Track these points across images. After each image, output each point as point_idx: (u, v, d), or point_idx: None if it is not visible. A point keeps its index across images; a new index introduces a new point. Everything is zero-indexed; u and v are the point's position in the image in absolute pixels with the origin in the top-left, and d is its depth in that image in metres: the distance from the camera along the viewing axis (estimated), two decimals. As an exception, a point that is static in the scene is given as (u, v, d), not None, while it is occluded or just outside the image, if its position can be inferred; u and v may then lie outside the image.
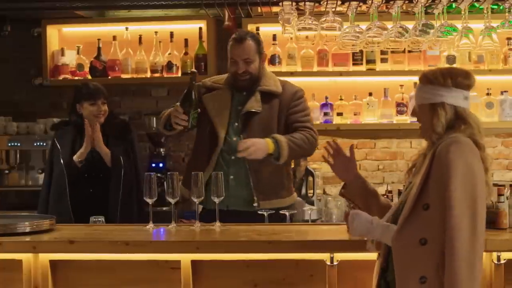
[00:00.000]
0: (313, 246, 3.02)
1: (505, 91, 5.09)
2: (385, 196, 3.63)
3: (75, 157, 4.08)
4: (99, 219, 3.55)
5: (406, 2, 3.91)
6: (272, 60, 5.05)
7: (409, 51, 4.96)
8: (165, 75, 5.29)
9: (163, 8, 4.97)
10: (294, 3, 3.93)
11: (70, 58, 5.38)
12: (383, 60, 5.11)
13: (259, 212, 3.63)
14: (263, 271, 3.04)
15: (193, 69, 3.56)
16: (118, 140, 4.19)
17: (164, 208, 4.20)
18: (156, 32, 5.29)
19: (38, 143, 5.22)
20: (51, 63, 5.40)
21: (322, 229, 3.34)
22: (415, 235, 2.49)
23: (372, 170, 5.46)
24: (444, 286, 2.41)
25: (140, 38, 5.29)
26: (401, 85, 5.14)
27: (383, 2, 3.92)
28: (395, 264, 2.53)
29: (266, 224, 3.52)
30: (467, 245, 2.38)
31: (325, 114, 5.15)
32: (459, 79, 2.59)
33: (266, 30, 5.04)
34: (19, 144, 5.27)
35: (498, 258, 2.95)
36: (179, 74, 5.29)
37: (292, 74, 4.92)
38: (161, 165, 5.27)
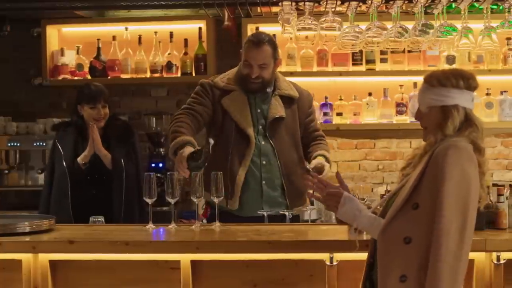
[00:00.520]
0: (313, 246, 3.02)
1: (504, 91, 5.09)
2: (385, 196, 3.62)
3: (79, 159, 4.07)
4: (99, 219, 3.55)
5: (406, 2, 3.91)
6: (272, 60, 5.05)
7: (409, 51, 4.96)
8: (164, 75, 5.29)
9: (163, 8, 4.97)
10: (293, 3, 3.93)
11: (69, 58, 5.38)
12: (383, 60, 5.11)
13: (259, 212, 3.63)
14: (262, 271, 3.04)
15: (211, 139, 3.47)
16: (120, 142, 4.17)
17: (164, 208, 4.20)
18: (155, 32, 5.29)
19: (38, 143, 5.23)
20: (51, 63, 5.41)
21: (322, 229, 3.33)
22: (400, 233, 2.49)
23: (372, 170, 5.46)
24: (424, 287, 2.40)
25: (139, 38, 5.29)
26: (401, 85, 5.14)
27: (383, 2, 3.92)
28: (378, 259, 2.53)
29: (266, 224, 3.52)
30: (453, 251, 2.37)
31: (325, 114, 5.16)
32: (470, 81, 2.59)
33: (265, 30, 5.02)
34: (18, 144, 5.27)
35: (498, 258, 2.95)
36: (179, 74, 5.29)
37: (291, 74, 4.92)
38: (160, 165, 5.27)
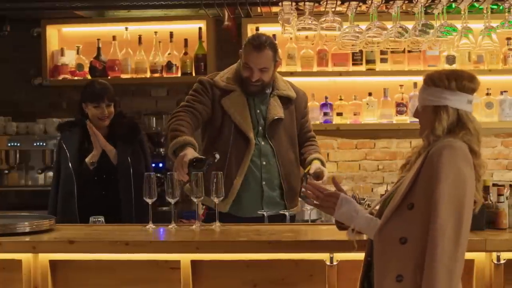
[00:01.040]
0: (313, 246, 3.02)
1: (504, 91, 5.09)
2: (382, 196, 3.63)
3: (87, 160, 4.00)
4: (99, 219, 3.54)
5: (406, 2, 3.91)
6: (272, 60, 5.05)
7: (409, 51, 4.96)
8: (164, 75, 5.29)
9: (163, 8, 4.96)
10: (293, 3, 3.92)
11: (69, 58, 5.38)
12: (383, 60, 5.11)
13: (259, 212, 3.64)
14: (263, 271, 3.04)
15: (217, 154, 3.39)
16: (126, 141, 4.08)
17: (164, 208, 4.20)
18: (155, 32, 5.29)
19: (38, 143, 5.22)
20: (51, 63, 5.41)
21: (322, 229, 3.33)
22: (396, 233, 2.49)
23: (372, 170, 5.46)
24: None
25: (139, 38, 5.29)
26: (401, 85, 5.14)
27: (383, 2, 3.92)
28: (375, 259, 2.54)
29: (266, 224, 3.52)
30: (449, 251, 2.37)
31: (325, 114, 5.16)
32: (464, 82, 2.57)
33: (265, 30, 5.02)
34: (18, 144, 5.27)
35: (498, 258, 2.95)
36: (179, 74, 5.29)
37: (292, 74, 4.92)
38: (161, 165, 5.26)
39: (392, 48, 4.05)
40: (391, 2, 3.90)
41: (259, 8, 5.00)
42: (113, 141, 4.06)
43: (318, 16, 3.97)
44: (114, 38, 5.29)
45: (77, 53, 5.39)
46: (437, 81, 2.58)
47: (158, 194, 3.32)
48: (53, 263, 3.07)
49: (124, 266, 3.06)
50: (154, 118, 5.48)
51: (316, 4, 4.02)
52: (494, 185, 3.16)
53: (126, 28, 5.33)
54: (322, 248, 2.99)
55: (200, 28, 5.28)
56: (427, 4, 3.90)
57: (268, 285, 3.04)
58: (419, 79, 2.91)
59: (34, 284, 3.05)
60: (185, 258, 3.03)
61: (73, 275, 3.10)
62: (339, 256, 2.99)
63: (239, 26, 5.21)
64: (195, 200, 3.29)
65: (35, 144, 5.24)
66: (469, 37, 3.87)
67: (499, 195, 3.11)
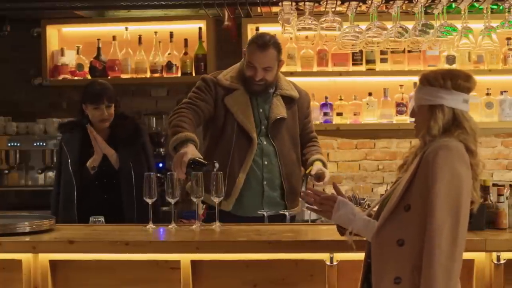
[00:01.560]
0: (313, 246, 3.02)
1: (504, 91, 5.10)
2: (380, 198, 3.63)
3: (88, 164, 3.94)
4: (99, 219, 3.54)
5: (406, 2, 3.91)
6: (272, 60, 5.05)
7: (409, 51, 4.97)
8: (164, 75, 5.29)
9: (163, 8, 4.96)
10: (293, 3, 3.92)
11: (69, 58, 5.38)
12: (383, 60, 5.12)
13: (259, 212, 3.64)
14: (263, 271, 3.04)
15: (217, 164, 3.34)
16: (128, 143, 4.00)
17: (164, 208, 4.19)
18: (155, 32, 5.29)
19: (38, 143, 5.22)
20: (51, 63, 5.41)
21: (322, 229, 3.33)
22: (393, 235, 2.49)
23: (372, 170, 5.46)
24: None
25: (139, 38, 5.29)
26: (401, 85, 5.14)
27: (383, 2, 3.92)
28: (373, 261, 2.54)
29: (266, 224, 3.52)
30: (446, 252, 2.37)
31: (325, 114, 5.16)
32: (459, 81, 2.57)
33: (265, 30, 5.02)
34: (18, 144, 5.26)
35: (498, 258, 2.95)
36: (179, 74, 5.29)
37: (292, 74, 4.91)
38: (161, 165, 5.26)
39: (392, 48, 4.05)
40: (391, 2, 3.90)
41: (259, 8, 5.00)
42: (115, 144, 4.00)
43: (318, 16, 3.97)
44: (114, 38, 5.29)
45: (77, 53, 5.39)
46: (433, 81, 2.58)
47: (158, 194, 3.31)
48: (53, 263, 3.07)
49: (124, 266, 3.06)
50: (154, 118, 5.47)
51: (316, 4, 4.02)
52: (494, 185, 3.16)
53: (126, 28, 5.33)
54: (322, 248, 2.99)
55: (200, 28, 5.28)
56: (427, 4, 3.90)
57: (268, 285, 3.04)
58: (419, 79, 2.91)
59: (34, 284, 3.05)
60: (185, 258, 3.03)
61: (73, 275, 3.10)
62: (339, 256, 2.99)
63: (239, 26, 5.21)
64: (195, 200, 3.29)
65: (35, 144, 5.23)
66: (469, 37, 3.87)
67: (499, 195, 3.11)
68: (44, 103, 5.64)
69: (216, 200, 3.28)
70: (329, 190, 2.96)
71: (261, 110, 3.77)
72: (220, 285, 3.07)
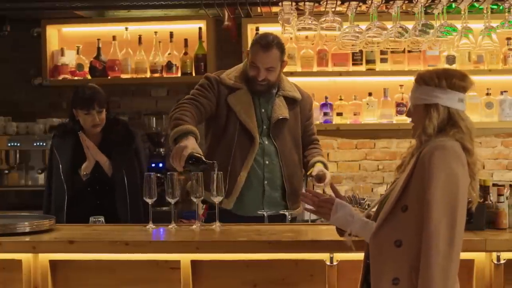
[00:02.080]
0: (313, 246, 3.02)
1: (504, 91, 5.09)
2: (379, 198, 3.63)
3: (80, 171, 3.91)
4: (99, 219, 3.54)
5: (406, 2, 3.91)
6: (272, 60, 5.04)
7: (409, 51, 4.97)
8: (164, 75, 5.29)
9: (163, 8, 4.96)
10: (293, 3, 3.92)
11: (69, 58, 5.38)
12: (383, 60, 5.12)
13: (259, 212, 3.64)
14: (263, 271, 3.04)
15: (215, 164, 3.32)
16: (121, 149, 3.97)
17: (164, 208, 4.19)
18: (155, 32, 5.29)
19: (38, 143, 5.22)
20: (51, 63, 5.41)
21: (322, 229, 3.33)
22: (391, 236, 2.50)
23: (372, 170, 5.46)
24: None
25: (139, 38, 5.29)
26: (401, 85, 5.14)
27: (383, 2, 3.92)
28: (371, 262, 2.55)
29: (266, 224, 3.52)
30: (443, 252, 2.37)
31: (325, 114, 5.16)
32: (454, 80, 2.57)
33: (265, 30, 5.03)
34: (18, 144, 5.26)
35: (498, 258, 2.95)
36: (179, 74, 5.29)
37: (292, 74, 4.91)
38: (161, 165, 5.26)
39: (392, 48, 4.05)
40: (391, 2, 3.90)
41: (259, 8, 5.00)
42: (107, 149, 3.96)
43: (318, 16, 3.97)
44: (114, 38, 5.30)
45: (77, 53, 5.39)
46: (428, 80, 2.58)
47: (158, 194, 3.31)
48: (53, 263, 3.07)
49: (124, 266, 3.06)
50: (154, 118, 5.47)
51: (316, 4, 4.02)
52: (494, 185, 3.16)
53: (126, 28, 5.33)
54: (322, 248, 2.99)
55: (200, 28, 5.28)
56: (427, 4, 3.90)
57: (268, 285, 3.04)
58: (419, 79, 2.90)
59: (34, 284, 3.05)
60: (185, 258, 3.03)
61: (73, 275, 3.10)
62: (339, 256, 2.99)
63: (239, 26, 5.21)
64: (195, 200, 3.29)
65: (35, 144, 5.23)
66: (469, 37, 3.87)
67: (499, 195, 3.11)
68: (44, 103, 5.64)
69: (217, 200, 3.28)
70: (330, 192, 2.96)
71: (263, 110, 3.77)
72: (220, 285, 3.07)
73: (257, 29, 5.09)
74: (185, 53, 5.28)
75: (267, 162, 3.73)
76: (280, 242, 3.01)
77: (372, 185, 5.43)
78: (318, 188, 3.80)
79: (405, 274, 2.45)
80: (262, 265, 3.03)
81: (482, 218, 3.06)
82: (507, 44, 5.00)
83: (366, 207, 3.76)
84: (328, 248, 2.98)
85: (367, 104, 5.16)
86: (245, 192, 3.69)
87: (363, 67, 5.14)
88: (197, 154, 3.30)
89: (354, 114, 5.17)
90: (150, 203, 3.29)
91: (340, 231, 2.80)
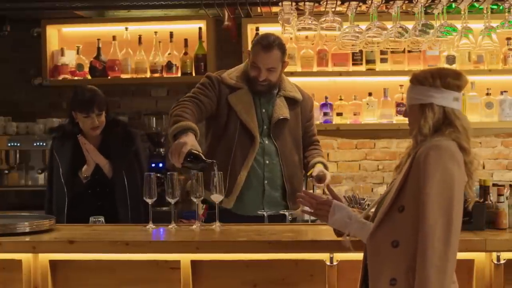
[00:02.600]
0: (313, 246, 3.02)
1: (504, 91, 5.09)
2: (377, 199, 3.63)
3: (80, 174, 3.89)
4: (99, 219, 3.54)
5: (406, 2, 3.91)
6: (272, 60, 5.04)
7: (409, 51, 4.97)
8: (164, 75, 5.29)
9: (163, 8, 4.96)
10: (293, 3, 3.92)
11: (69, 58, 5.38)
12: (383, 60, 5.12)
13: (259, 212, 3.64)
14: (263, 271, 3.04)
15: (214, 161, 3.33)
16: (120, 151, 3.95)
17: (164, 208, 4.19)
18: (155, 32, 5.30)
19: (38, 143, 5.22)
20: (51, 63, 5.41)
21: (322, 229, 3.33)
22: (388, 237, 2.50)
23: (372, 170, 5.46)
24: None
25: (139, 38, 5.29)
26: (401, 85, 5.14)
27: (383, 2, 3.92)
28: (369, 263, 2.55)
29: (266, 224, 3.53)
30: (439, 251, 2.37)
31: (325, 114, 5.16)
32: (448, 79, 2.57)
33: (265, 30, 5.03)
34: (18, 144, 5.27)
35: (498, 258, 2.95)
36: (179, 74, 5.29)
37: (292, 74, 4.91)
38: (161, 165, 5.26)
39: (392, 48, 4.05)
40: (391, 2, 3.90)
41: (259, 8, 5.00)
42: (107, 151, 3.94)
43: (318, 16, 3.97)
44: (114, 38, 5.30)
45: (77, 53, 5.39)
46: (422, 80, 2.58)
47: (158, 194, 3.31)
48: (53, 263, 3.07)
49: (124, 266, 3.06)
50: (154, 118, 5.47)
51: (316, 4, 4.02)
52: (494, 185, 3.16)
53: (126, 28, 5.33)
54: (322, 248, 2.99)
55: (200, 28, 5.28)
56: (427, 4, 3.90)
57: (268, 285, 3.04)
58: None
59: (34, 284, 3.05)
60: (185, 258, 3.03)
61: (73, 275, 3.10)
62: (339, 256, 2.99)
63: (239, 26, 5.21)
64: (195, 200, 3.29)
65: (35, 144, 5.23)
66: (469, 37, 3.87)
67: (499, 195, 3.11)
68: (44, 103, 5.64)
69: (217, 200, 3.28)
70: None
71: (264, 110, 3.77)
72: (220, 285, 3.07)
73: (257, 29, 5.09)
74: (185, 53, 5.28)
75: (267, 161, 3.73)
76: (280, 242, 3.01)
77: (372, 185, 5.43)
78: (318, 188, 3.80)
79: (402, 275, 2.44)
80: (262, 265, 3.03)
81: (482, 218, 3.06)
82: (507, 44, 5.00)
83: (366, 207, 3.76)
84: (328, 248, 2.98)
85: (367, 104, 5.16)
86: (245, 192, 3.69)
87: (363, 67, 5.14)
88: (196, 152, 3.29)
89: (354, 114, 5.17)
90: (150, 203, 3.29)
91: (338, 232, 2.82)
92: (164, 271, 3.05)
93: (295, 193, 3.72)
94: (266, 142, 3.75)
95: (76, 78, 5.35)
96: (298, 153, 3.84)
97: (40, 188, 4.40)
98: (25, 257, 3.05)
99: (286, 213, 3.63)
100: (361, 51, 5.01)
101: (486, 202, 3.10)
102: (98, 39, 5.36)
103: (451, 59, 5.03)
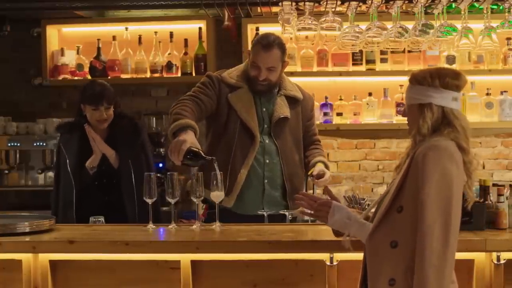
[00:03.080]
0: (313, 246, 3.02)
1: (504, 91, 5.10)
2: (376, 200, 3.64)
3: (87, 164, 3.90)
4: (99, 219, 3.54)
5: (406, 2, 3.91)
6: (272, 60, 5.04)
7: (409, 51, 4.97)
8: (164, 75, 5.29)
9: (163, 8, 4.97)
10: (293, 3, 3.93)
11: (69, 58, 5.38)
12: (383, 60, 5.12)
13: (259, 212, 3.64)
14: (263, 271, 3.04)
15: (214, 158, 3.31)
16: (127, 143, 3.96)
17: (164, 208, 4.19)
18: (155, 32, 5.30)
19: (38, 143, 5.23)
20: (51, 63, 5.41)
21: (322, 229, 3.33)
22: (386, 237, 2.50)
23: (372, 170, 5.46)
24: None
25: (139, 38, 5.29)
26: (401, 85, 5.14)
27: (383, 2, 3.92)
28: (368, 263, 2.55)
29: (266, 224, 3.53)
30: (438, 252, 2.36)
31: (325, 114, 5.16)
32: (447, 79, 2.56)
33: (265, 30, 5.03)
34: (18, 144, 5.27)
35: (498, 258, 2.95)
36: (179, 74, 5.30)
37: (292, 74, 4.90)
38: (160, 165, 5.26)
39: (392, 48, 4.05)
40: (391, 2, 3.90)
41: (259, 8, 5.01)
42: (114, 144, 3.96)
43: (318, 16, 3.97)
44: (114, 38, 5.30)
45: (77, 53, 5.39)
46: (421, 79, 2.58)
47: (158, 194, 3.31)
48: (53, 263, 3.07)
49: (124, 266, 3.06)
50: (154, 118, 5.48)
51: (316, 4, 4.02)
52: (494, 185, 3.16)
53: (126, 28, 5.34)
54: (322, 248, 2.99)
55: (200, 28, 5.28)
56: (427, 4, 3.90)
57: (268, 285, 3.04)
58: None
59: (34, 284, 3.05)
60: (185, 258, 3.03)
61: (73, 275, 3.10)
62: (339, 256, 2.99)
63: (239, 26, 5.21)
64: (195, 200, 3.29)
65: (35, 144, 5.24)
66: (469, 37, 3.87)
67: (499, 195, 3.11)
68: (44, 103, 5.64)
69: (217, 198, 3.28)
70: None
71: (264, 109, 3.77)
72: (220, 285, 3.07)
73: (257, 29, 5.10)
74: (185, 53, 5.28)
75: (267, 160, 3.73)
76: (280, 242, 3.01)
77: (372, 185, 5.43)
78: (319, 189, 3.80)
79: (401, 275, 2.44)
80: (262, 265, 3.03)
81: (482, 218, 3.06)
82: (507, 44, 5.00)
83: (366, 207, 3.76)
84: (328, 248, 2.98)
85: (367, 104, 5.16)
86: (245, 191, 3.69)
87: (363, 67, 5.14)
88: (195, 149, 3.29)
89: (354, 114, 5.17)
90: (150, 203, 3.29)
91: (336, 231, 2.82)
92: (164, 271, 3.05)
93: (295, 193, 3.72)
94: (267, 141, 3.75)
95: (76, 78, 5.35)
96: (299, 152, 3.84)
97: (40, 188, 4.41)
98: (25, 257, 3.05)
99: (286, 213, 3.63)
100: (361, 51, 5.01)
101: (486, 202, 3.10)
102: (98, 39, 5.36)
103: (451, 59, 5.04)
